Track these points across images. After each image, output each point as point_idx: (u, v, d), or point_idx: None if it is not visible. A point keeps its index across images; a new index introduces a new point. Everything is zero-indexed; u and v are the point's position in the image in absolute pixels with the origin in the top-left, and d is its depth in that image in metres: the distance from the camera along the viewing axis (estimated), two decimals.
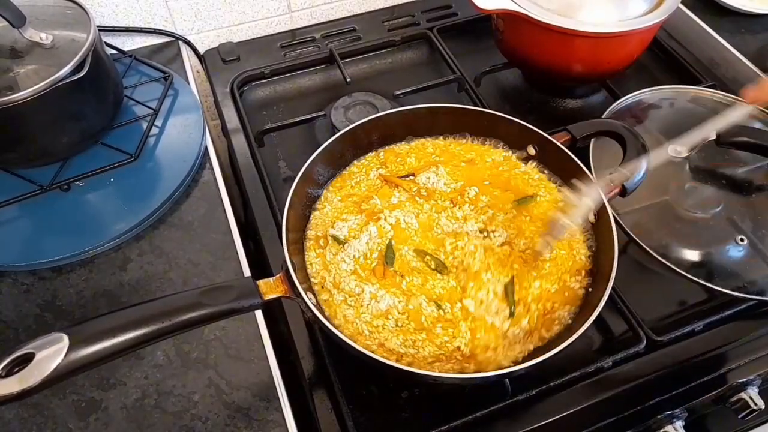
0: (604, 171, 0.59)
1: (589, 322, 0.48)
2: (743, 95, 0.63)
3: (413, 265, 0.55)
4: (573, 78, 0.80)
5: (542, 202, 0.60)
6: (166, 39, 0.90)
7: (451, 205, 0.59)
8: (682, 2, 0.90)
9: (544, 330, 0.52)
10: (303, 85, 0.88)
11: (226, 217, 0.69)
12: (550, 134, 0.61)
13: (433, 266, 0.55)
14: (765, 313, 0.62)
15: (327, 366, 0.57)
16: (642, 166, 0.60)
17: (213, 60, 0.89)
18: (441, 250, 0.56)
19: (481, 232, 0.57)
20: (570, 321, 0.53)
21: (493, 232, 0.57)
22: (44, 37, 0.65)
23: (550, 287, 0.54)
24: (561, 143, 0.60)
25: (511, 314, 0.52)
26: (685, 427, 0.60)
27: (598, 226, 0.57)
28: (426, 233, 0.58)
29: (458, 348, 0.51)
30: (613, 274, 0.50)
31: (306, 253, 0.57)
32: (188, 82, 0.83)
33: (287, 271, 0.50)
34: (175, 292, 0.47)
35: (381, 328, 0.52)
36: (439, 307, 0.53)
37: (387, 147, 0.65)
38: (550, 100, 0.85)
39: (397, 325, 0.52)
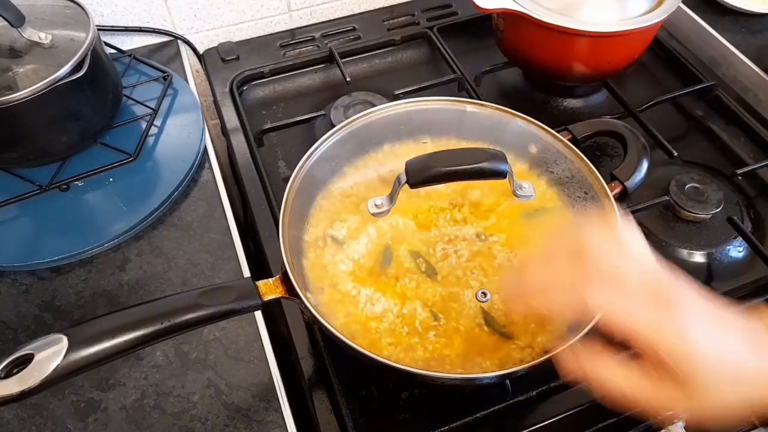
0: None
1: (592, 323, 0.48)
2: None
3: (407, 266, 0.55)
4: (573, 77, 0.80)
5: (551, 218, 0.59)
6: (165, 38, 0.89)
7: (451, 206, 0.59)
8: (683, 1, 0.90)
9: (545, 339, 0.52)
10: (303, 84, 0.88)
11: (226, 218, 0.69)
12: None
13: (423, 269, 0.55)
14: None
15: (327, 366, 0.57)
16: (643, 165, 0.60)
17: (212, 59, 0.89)
18: (432, 253, 0.56)
19: (478, 236, 0.57)
20: (565, 330, 0.53)
21: (491, 236, 0.57)
22: (43, 36, 0.65)
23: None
24: None
25: (508, 336, 0.52)
26: (685, 427, 0.60)
27: None
28: (423, 234, 0.57)
29: (449, 356, 0.51)
30: None
31: (305, 253, 0.57)
32: (187, 82, 0.83)
33: (285, 272, 0.50)
34: (174, 293, 0.47)
35: (374, 331, 0.52)
36: (435, 318, 0.53)
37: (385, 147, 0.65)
38: (550, 100, 0.85)
39: (390, 328, 0.52)
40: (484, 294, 0.54)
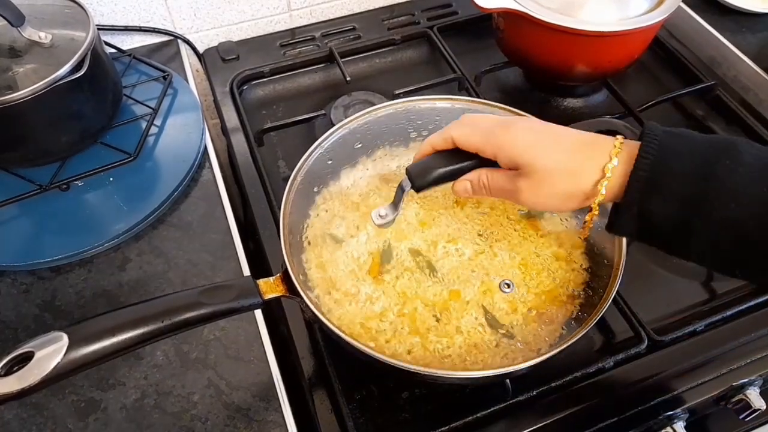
0: None
1: (592, 324, 0.48)
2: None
3: (407, 264, 0.55)
4: (574, 77, 0.80)
5: (552, 217, 0.59)
6: (165, 38, 0.89)
7: (453, 204, 0.59)
8: (684, 1, 0.90)
9: (544, 341, 0.52)
10: (303, 84, 0.88)
11: (226, 217, 0.69)
12: None
13: (424, 266, 0.55)
14: (766, 313, 0.62)
15: (327, 366, 0.57)
16: None
17: (212, 59, 0.89)
18: (433, 252, 0.56)
19: (480, 235, 0.57)
20: (565, 330, 0.53)
21: (492, 234, 0.57)
22: (43, 36, 0.65)
23: (548, 300, 0.54)
24: None
25: (509, 336, 0.52)
26: (686, 427, 0.60)
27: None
28: (424, 232, 0.57)
29: (449, 356, 0.51)
30: (620, 275, 0.50)
31: (305, 252, 0.57)
32: (187, 81, 0.83)
33: (286, 270, 0.49)
34: (174, 292, 0.47)
35: (374, 330, 0.52)
36: (437, 320, 0.53)
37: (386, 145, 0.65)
38: (550, 99, 0.85)
39: (391, 327, 0.52)
40: (508, 285, 0.54)
